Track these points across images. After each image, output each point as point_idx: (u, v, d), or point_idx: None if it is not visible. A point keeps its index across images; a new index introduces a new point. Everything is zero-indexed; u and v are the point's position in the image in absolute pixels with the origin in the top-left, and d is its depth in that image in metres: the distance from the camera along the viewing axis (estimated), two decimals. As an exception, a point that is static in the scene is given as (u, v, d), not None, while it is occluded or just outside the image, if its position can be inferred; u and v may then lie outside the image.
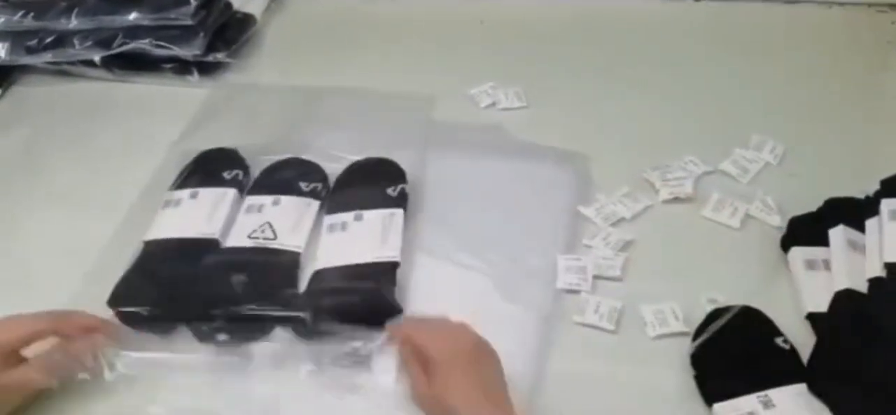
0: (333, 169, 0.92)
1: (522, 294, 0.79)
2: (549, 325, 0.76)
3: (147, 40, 1.09)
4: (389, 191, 0.87)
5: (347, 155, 0.93)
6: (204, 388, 0.73)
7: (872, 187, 0.81)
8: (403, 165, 0.91)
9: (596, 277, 0.79)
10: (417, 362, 0.69)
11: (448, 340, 0.69)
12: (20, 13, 1.11)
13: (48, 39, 1.11)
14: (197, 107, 1.07)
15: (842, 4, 1.15)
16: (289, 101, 1.06)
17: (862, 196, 0.82)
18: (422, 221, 0.87)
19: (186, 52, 1.09)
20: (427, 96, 1.03)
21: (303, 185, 0.89)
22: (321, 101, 1.05)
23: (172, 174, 0.94)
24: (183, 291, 0.79)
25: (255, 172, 0.93)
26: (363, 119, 1.01)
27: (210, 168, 0.93)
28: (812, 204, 0.83)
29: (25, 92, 1.15)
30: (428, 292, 0.80)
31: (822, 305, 0.73)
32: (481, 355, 0.68)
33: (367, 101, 1.05)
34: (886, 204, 0.76)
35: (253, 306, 0.76)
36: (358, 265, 0.80)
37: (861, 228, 0.77)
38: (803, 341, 0.71)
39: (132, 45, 1.09)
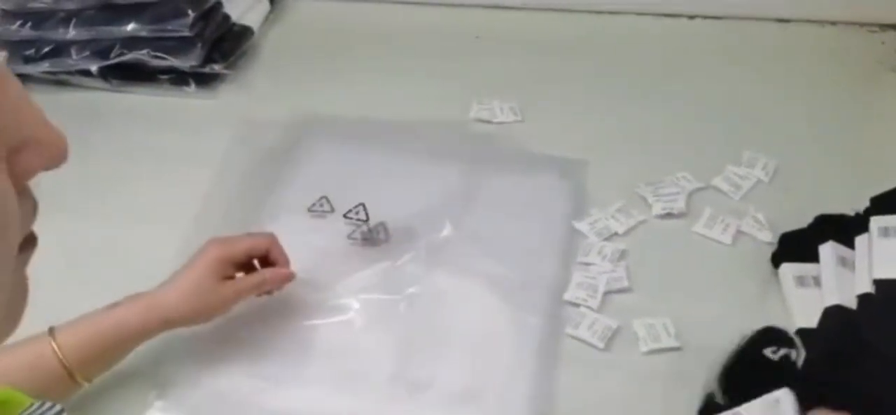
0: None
1: (515, 304, 0.79)
2: (543, 335, 0.77)
3: (144, 51, 1.09)
4: None
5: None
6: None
7: (862, 204, 0.82)
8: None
9: (606, 293, 0.80)
10: None
11: None
12: (18, 23, 1.11)
13: (46, 49, 1.11)
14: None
15: (834, 24, 1.16)
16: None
17: (852, 213, 0.82)
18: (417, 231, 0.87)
19: (183, 63, 1.10)
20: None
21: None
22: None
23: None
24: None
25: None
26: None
27: None
28: (803, 220, 0.84)
29: (22, 101, 1.15)
30: (423, 298, 0.81)
31: (812, 321, 0.74)
32: None
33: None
34: (875, 221, 0.77)
35: None
36: None
37: (850, 245, 0.78)
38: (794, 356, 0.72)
39: (129, 56, 1.10)
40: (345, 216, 0.89)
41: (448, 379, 0.74)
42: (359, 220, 0.88)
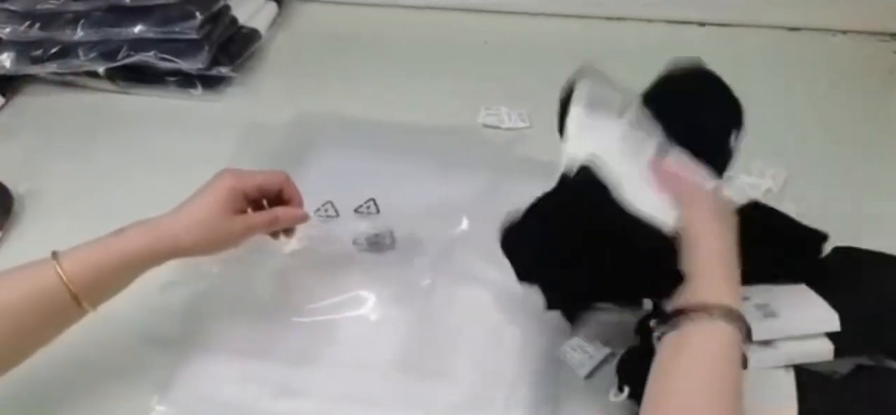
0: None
1: (519, 312, 0.79)
2: (547, 344, 0.76)
3: (152, 53, 1.09)
4: None
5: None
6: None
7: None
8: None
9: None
10: None
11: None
12: (27, 23, 1.11)
13: (53, 50, 1.12)
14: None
15: (845, 32, 1.16)
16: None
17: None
18: (423, 237, 0.87)
19: (190, 65, 1.10)
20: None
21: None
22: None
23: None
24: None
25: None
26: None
27: None
28: (813, 231, 0.83)
29: (29, 101, 1.16)
30: (427, 305, 0.81)
31: None
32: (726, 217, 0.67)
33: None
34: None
35: None
36: None
37: None
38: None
39: (137, 58, 1.10)
40: (356, 211, 0.89)
41: (451, 386, 0.74)
42: (369, 213, 0.88)
